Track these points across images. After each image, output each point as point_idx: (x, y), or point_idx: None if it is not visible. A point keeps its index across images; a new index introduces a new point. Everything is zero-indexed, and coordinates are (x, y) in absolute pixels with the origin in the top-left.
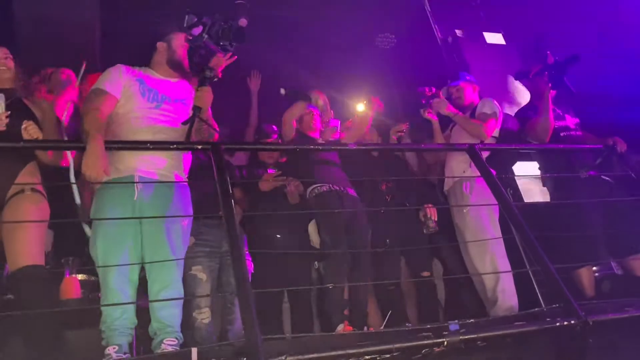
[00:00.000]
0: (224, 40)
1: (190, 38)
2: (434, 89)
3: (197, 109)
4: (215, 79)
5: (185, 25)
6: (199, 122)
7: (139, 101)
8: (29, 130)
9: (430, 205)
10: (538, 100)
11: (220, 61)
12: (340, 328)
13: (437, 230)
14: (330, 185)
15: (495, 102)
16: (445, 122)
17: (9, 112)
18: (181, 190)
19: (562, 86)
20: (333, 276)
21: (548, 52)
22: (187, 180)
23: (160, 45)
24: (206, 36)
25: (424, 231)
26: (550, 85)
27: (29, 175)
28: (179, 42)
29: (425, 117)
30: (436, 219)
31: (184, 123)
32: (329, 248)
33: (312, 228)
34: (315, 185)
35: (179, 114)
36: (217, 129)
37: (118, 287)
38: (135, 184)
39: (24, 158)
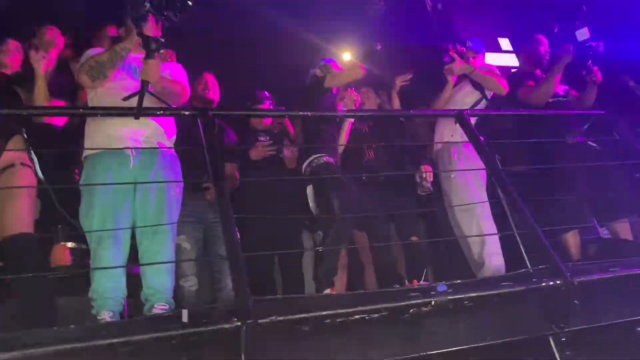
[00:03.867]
0: (168, 10)
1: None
2: (459, 47)
3: (144, 82)
4: (162, 51)
5: None
6: (151, 96)
7: (119, 74)
8: None
9: (427, 166)
10: (549, 63)
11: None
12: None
13: (431, 191)
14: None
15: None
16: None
17: None
18: (170, 159)
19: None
20: (334, 243)
21: (587, 29)
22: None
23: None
24: (148, 5)
25: (418, 191)
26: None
27: (15, 149)
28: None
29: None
30: (432, 180)
31: (126, 98)
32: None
33: (309, 192)
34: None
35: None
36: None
37: (111, 256)
38: (129, 154)
39: (8, 132)
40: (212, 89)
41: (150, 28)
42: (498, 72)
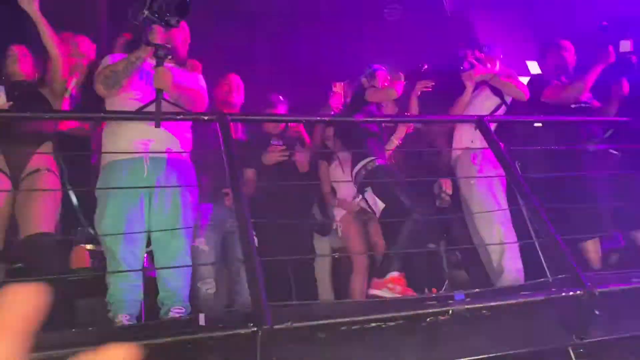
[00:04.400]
0: (168, 15)
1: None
2: (477, 53)
3: (159, 91)
4: (170, 57)
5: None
6: (168, 104)
7: (136, 82)
8: None
9: (447, 178)
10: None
11: (159, 33)
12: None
13: (450, 203)
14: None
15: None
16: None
17: (11, 102)
18: (184, 166)
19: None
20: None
21: (631, 42)
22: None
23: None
24: (147, 12)
25: (437, 203)
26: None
27: (44, 155)
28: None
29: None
30: (451, 192)
31: (141, 108)
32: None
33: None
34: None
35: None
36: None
37: (126, 261)
38: (144, 162)
39: (39, 139)
40: (236, 91)
41: (158, 36)
42: (517, 77)
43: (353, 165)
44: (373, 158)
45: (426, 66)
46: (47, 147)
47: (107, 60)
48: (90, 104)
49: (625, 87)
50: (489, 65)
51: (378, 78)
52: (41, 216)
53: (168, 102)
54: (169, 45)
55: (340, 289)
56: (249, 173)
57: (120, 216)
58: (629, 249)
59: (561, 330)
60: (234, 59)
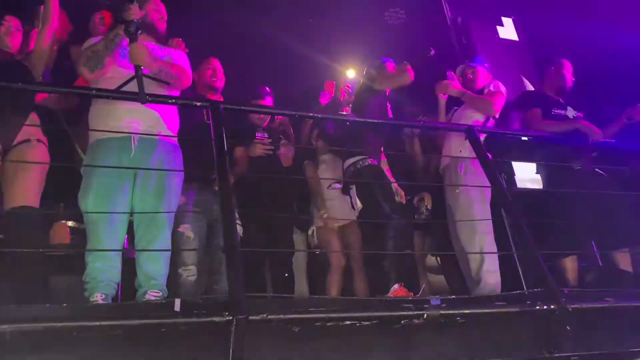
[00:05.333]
0: None
1: None
2: (433, 51)
3: (136, 67)
4: (140, 32)
5: None
6: (151, 80)
7: (119, 61)
8: None
9: (426, 193)
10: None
11: (132, 10)
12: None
13: (430, 218)
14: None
15: (496, 83)
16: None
17: None
18: (172, 149)
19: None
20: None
21: None
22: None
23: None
24: None
25: (415, 216)
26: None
27: (33, 125)
28: (151, 5)
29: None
30: (430, 207)
31: (121, 85)
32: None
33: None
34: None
35: None
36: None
37: (106, 240)
38: (131, 142)
39: (25, 109)
40: (219, 76)
41: (131, 13)
42: (498, 91)
43: (344, 160)
44: (365, 157)
45: (434, 51)
46: (34, 117)
47: (88, 43)
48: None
49: (637, 116)
50: (469, 75)
51: (388, 67)
52: (27, 188)
53: (149, 77)
54: (139, 20)
55: (316, 286)
56: (239, 152)
57: (104, 195)
58: (606, 269)
59: (532, 343)
60: (219, 44)
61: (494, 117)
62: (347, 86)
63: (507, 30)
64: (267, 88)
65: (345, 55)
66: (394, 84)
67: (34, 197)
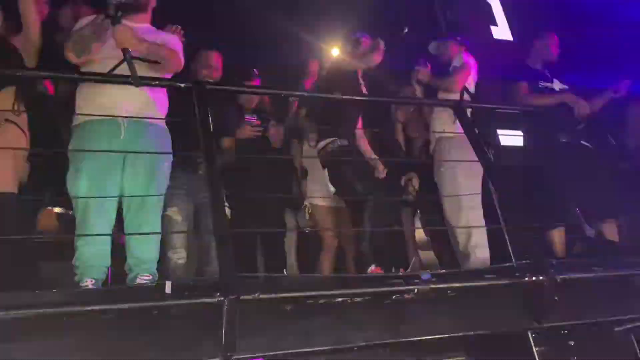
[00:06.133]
0: None
1: None
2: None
3: (124, 50)
4: (121, 14)
5: None
6: (140, 62)
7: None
8: None
9: (413, 173)
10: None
11: None
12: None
13: (416, 198)
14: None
15: (467, 55)
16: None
17: None
18: (161, 132)
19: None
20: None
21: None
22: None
23: None
24: None
25: (403, 197)
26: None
27: (2, 101)
28: None
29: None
30: (417, 188)
31: (111, 70)
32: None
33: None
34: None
35: None
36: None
37: (96, 225)
38: (121, 124)
39: None
40: (217, 69)
41: None
42: (462, 66)
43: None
44: (336, 138)
45: (407, 29)
46: (8, 92)
47: (78, 24)
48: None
49: (623, 89)
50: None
51: (363, 45)
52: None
53: (137, 59)
54: (119, 1)
55: (307, 266)
56: (227, 141)
57: (94, 179)
58: (593, 240)
59: (522, 314)
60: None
61: (469, 92)
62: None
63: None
64: (256, 70)
65: (330, 32)
66: (369, 63)
67: (9, 182)
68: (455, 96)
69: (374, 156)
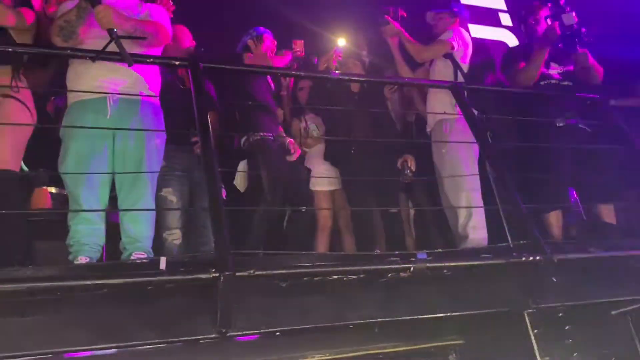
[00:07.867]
0: None
1: None
2: (400, 12)
3: (109, 31)
4: None
5: None
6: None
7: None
8: None
9: (408, 155)
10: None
11: None
12: None
13: (413, 180)
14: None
15: (456, 32)
16: None
17: None
18: (152, 109)
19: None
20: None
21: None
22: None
23: None
24: None
25: (400, 179)
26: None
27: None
28: None
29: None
30: (413, 169)
31: (99, 52)
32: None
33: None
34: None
35: None
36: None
37: (88, 204)
38: (107, 102)
39: None
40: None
41: None
42: (442, 40)
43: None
44: (254, 133)
45: (402, 12)
46: (5, 69)
47: (63, 8)
48: None
49: (589, 58)
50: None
51: (265, 41)
52: (2, 152)
53: (123, 37)
54: None
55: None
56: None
57: (82, 158)
58: (590, 222)
59: (518, 295)
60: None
61: (462, 72)
62: (338, 55)
63: None
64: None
65: (335, 22)
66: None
67: (10, 160)
68: (424, 68)
69: None
